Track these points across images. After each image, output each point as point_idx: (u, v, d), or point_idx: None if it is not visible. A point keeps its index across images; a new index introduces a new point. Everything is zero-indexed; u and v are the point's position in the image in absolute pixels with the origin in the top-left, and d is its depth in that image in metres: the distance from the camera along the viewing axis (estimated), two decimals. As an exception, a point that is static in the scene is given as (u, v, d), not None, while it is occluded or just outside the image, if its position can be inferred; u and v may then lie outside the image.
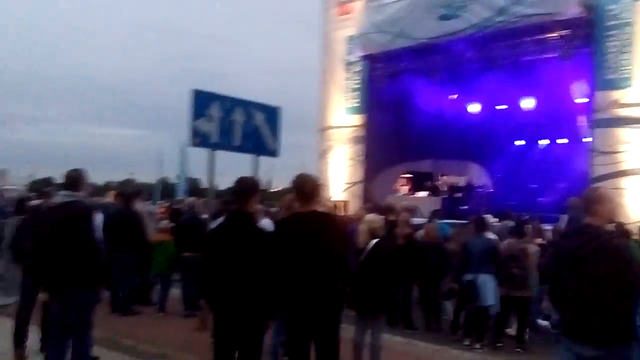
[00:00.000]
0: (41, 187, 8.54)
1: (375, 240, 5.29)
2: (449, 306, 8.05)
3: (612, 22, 12.32)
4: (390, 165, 17.36)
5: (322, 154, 17.65)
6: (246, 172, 6.45)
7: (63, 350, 4.54)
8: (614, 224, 6.11)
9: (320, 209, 4.23)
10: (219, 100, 7.52)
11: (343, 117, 17.31)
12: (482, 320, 7.15)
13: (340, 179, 17.07)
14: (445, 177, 17.78)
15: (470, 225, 7.98)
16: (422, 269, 7.94)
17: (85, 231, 4.51)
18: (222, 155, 7.55)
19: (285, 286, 3.91)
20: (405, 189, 17.11)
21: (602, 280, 3.14)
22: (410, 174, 17.48)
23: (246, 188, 4.07)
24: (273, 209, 7.93)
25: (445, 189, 17.13)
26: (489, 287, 6.97)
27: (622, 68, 12.12)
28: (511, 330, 7.40)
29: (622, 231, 7.31)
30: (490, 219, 9.19)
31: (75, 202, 4.56)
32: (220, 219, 5.46)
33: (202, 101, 7.36)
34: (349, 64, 17.23)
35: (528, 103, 17.55)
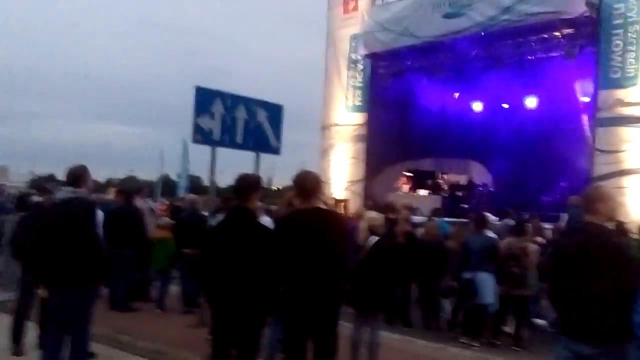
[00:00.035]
0: (42, 183, 8.55)
1: (375, 238, 5.28)
2: (447, 304, 8.04)
3: (618, 21, 12.28)
4: (392, 164, 17.36)
5: (324, 152, 17.65)
6: (247, 170, 6.44)
7: (61, 346, 4.53)
8: (615, 223, 6.08)
9: (321, 206, 4.21)
10: (221, 97, 7.51)
11: (345, 115, 17.30)
12: (480, 318, 7.14)
13: (341, 177, 17.07)
14: (446, 176, 17.77)
15: (470, 223, 7.97)
16: (422, 267, 7.93)
17: (88, 228, 4.50)
18: (223, 153, 7.55)
19: (285, 283, 3.90)
20: (406, 187, 17.11)
21: (601, 278, 3.13)
22: (412, 172, 17.47)
23: (247, 185, 4.06)
24: (273, 207, 7.93)
25: (447, 187, 17.13)
26: (488, 285, 6.96)
27: (627, 67, 12.09)
28: (508, 329, 7.39)
29: (622, 230, 7.30)
30: (491, 217, 9.17)
31: (77, 199, 4.53)
32: (221, 216, 5.48)
33: (205, 98, 7.35)
34: (353, 62, 17.23)
35: (531, 102, 17.51)
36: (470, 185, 17.33)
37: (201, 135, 7.25)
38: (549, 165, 16.80)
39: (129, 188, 9.56)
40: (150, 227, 8.41)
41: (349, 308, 5.11)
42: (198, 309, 7.08)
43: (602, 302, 3.10)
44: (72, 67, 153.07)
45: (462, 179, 17.79)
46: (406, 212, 9.12)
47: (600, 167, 12.21)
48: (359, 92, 17.13)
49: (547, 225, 9.28)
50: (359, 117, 16.99)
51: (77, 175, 4.62)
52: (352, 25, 16.80)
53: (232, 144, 7.61)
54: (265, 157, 8.26)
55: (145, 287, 8.70)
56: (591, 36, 12.71)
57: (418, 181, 17.21)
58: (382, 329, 5.45)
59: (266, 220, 5.13)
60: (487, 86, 16.68)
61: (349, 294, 4.87)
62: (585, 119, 14.68)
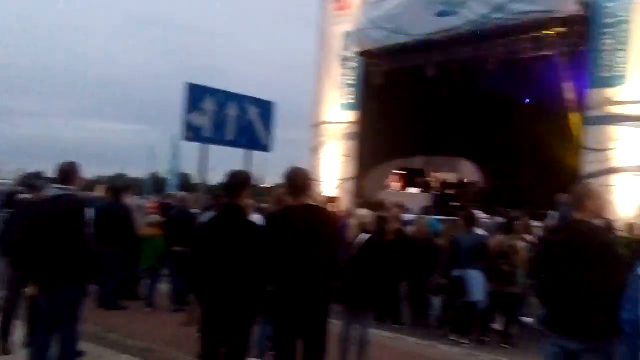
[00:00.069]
0: (31, 181, 8.46)
1: (366, 236, 5.28)
2: (437, 302, 8.07)
3: (609, 20, 12.35)
4: (383, 162, 17.38)
5: (315, 150, 17.63)
6: (238, 168, 6.41)
7: (49, 345, 4.50)
8: (603, 220, 6.13)
9: (311, 202, 4.20)
10: (212, 94, 7.49)
11: (337, 113, 17.29)
12: (469, 315, 7.17)
13: (332, 175, 17.06)
14: (436, 174, 17.83)
15: (460, 221, 8.00)
16: (412, 265, 7.95)
17: (78, 225, 4.46)
18: (213, 151, 7.54)
19: (275, 280, 3.89)
20: (397, 185, 17.14)
21: (589, 275, 3.15)
22: (402, 170, 17.50)
23: (238, 181, 4.04)
24: (264, 205, 7.90)
25: (437, 185, 17.18)
26: (477, 283, 6.98)
27: (617, 66, 12.17)
28: (498, 326, 7.43)
29: (610, 227, 7.35)
30: (481, 215, 9.21)
31: (68, 196, 4.49)
32: (211, 213, 5.45)
33: (196, 95, 7.32)
34: (345, 59, 17.21)
35: (521, 100, 17.60)
36: (461, 183, 17.39)
37: (192, 133, 7.22)
38: (538, 164, 16.90)
39: (118, 185, 9.50)
40: (139, 225, 8.36)
41: (339, 306, 5.11)
42: (188, 307, 7.05)
43: (590, 299, 3.12)
44: (62, 64, 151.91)
45: (453, 177, 17.86)
46: (397, 210, 9.14)
47: (589, 165, 12.30)
48: (350, 90, 17.12)
49: (536, 224, 9.33)
50: (351, 115, 16.98)
51: (68, 173, 4.57)
52: (345, 23, 16.78)
53: (223, 141, 7.60)
54: (257, 155, 8.26)
55: (134, 285, 8.65)
56: (582, 35, 12.78)
57: (409, 179, 17.26)
58: (372, 326, 5.46)
59: (257, 218, 5.11)
60: (478, 84, 16.73)
61: (339, 291, 4.88)
62: (574, 117, 14.77)
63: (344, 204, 14.57)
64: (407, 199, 14.26)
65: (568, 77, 14.46)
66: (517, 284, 7.06)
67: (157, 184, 26.71)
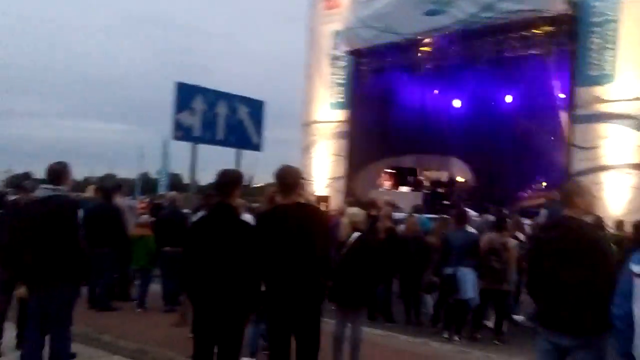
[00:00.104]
0: (20, 181, 8.37)
1: (357, 234, 5.28)
2: (429, 300, 8.10)
3: (596, 19, 12.47)
4: (373, 161, 17.42)
5: (305, 149, 17.64)
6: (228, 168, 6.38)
7: (40, 346, 4.47)
8: (592, 217, 6.18)
9: (302, 201, 4.20)
10: (202, 93, 7.45)
11: (327, 112, 17.31)
12: (461, 313, 7.21)
13: (323, 174, 17.08)
14: (427, 172, 17.89)
15: (451, 219, 8.03)
16: (403, 263, 7.97)
17: (70, 226, 4.42)
18: (203, 152, 7.50)
19: (267, 279, 3.88)
20: (388, 184, 17.19)
21: (580, 271, 3.17)
22: (393, 169, 17.55)
23: (229, 180, 4.02)
24: (255, 205, 7.89)
25: (428, 184, 17.24)
26: (468, 280, 7.01)
27: (604, 64, 12.29)
28: (489, 323, 7.47)
29: (600, 224, 7.41)
30: (471, 213, 9.25)
31: (59, 197, 4.45)
32: (202, 213, 5.43)
33: (186, 94, 7.27)
34: (334, 58, 17.23)
35: (510, 99, 17.71)
36: (451, 181, 17.47)
37: (182, 132, 7.17)
38: (528, 162, 17.01)
39: (108, 186, 9.43)
40: (129, 225, 8.32)
41: (331, 304, 5.12)
42: (179, 307, 7.02)
43: (581, 295, 3.15)
44: (50, 62, 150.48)
45: (443, 176, 17.93)
46: (388, 208, 9.16)
47: (578, 163, 12.42)
48: (340, 89, 17.14)
49: (526, 221, 9.40)
50: (341, 114, 17.01)
51: (58, 173, 4.53)
52: (334, 22, 16.80)
53: (213, 141, 7.55)
54: (247, 155, 8.22)
55: (125, 286, 8.60)
56: (570, 34, 12.89)
57: (399, 178, 17.30)
58: (364, 324, 5.46)
59: (247, 218, 5.10)
60: (467, 83, 16.81)
61: (331, 290, 4.88)
62: (563, 115, 14.89)
63: (335, 202, 14.60)
64: (398, 198, 14.30)
65: (556, 76, 14.58)
66: (508, 281, 7.11)
67: (147, 184, 26.57)
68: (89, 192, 10.92)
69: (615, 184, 11.80)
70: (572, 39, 12.86)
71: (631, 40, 11.95)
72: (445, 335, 7.15)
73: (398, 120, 17.69)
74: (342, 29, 16.30)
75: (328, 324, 4.81)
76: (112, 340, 6.17)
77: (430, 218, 10.12)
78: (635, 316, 2.75)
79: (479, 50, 14.60)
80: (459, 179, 17.97)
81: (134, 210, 9.64)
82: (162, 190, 20.40)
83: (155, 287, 8.22)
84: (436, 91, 18.84)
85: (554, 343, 3.26)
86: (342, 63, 17.07)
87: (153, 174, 28.70)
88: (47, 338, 4.51)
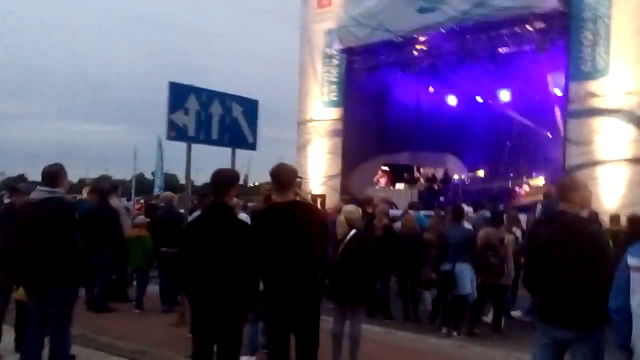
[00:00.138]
0: (15, 184, 8.33)
1: (353, 232, 5.28)
2: (427, 296, 8.12)
3: (588, 15, 12.52)
4: (368, 158, 17.45)
5: (300, 148, 17.64)
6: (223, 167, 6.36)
7: (40, 348, 4.46)
8: (588, 211, 6.21)
9: (298, 199, 4.20)
10: (196, 92, 7.38)
11: (321, 110, 17.31)
12: (460, 308, 7.23)
13: (318, 172, 17.08)
14: (422, 169, 17.94)
15: (448, 215, 8.05)
16: (400, 260, 7.99)
17: (68, 228, 4.40)
18: (198, 152, 7.43)
19: (264, 277, 3.88)
20: (383, 181, 17.22)
21: (577, 265, 3.19)
22: (389, 166, 17.58)
23: (225, 180, 4.02)
24: (250, 204, 7.89)
25: (423, 180, 17.29)
26: (466, 276, 7.03)
27: (597, 59, 12.34)
28: (487, 318, 7.50)
29: (595, 218, 7.45)
30: (467, 209, 9.28)
31: (56, 199, 4.42)
32: (197, 213, 5.42)
33: (179, 94, 7.20)
34: (328, 57, 17.23)
35: (505, 95, 17.77)
36: (447, 178, 17.52)
37: (176, 132, 7.11)
38: (523, 157, 17.10)
39: (104, 187, 9.41)
40: (126, 226, 8.30)
41: (330, 302, 5.13)
42: (178, 307, 7.01)
43: (579, 288, 3.17)
44: (43, 64, 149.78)
45: (439, 172, 17.99)
46: (384, 205, 9.17)
47: (573, 158, 12.46)
48: (334, 87, 17.14)
49: (522, 216, 9.44)
50: (335, 112, 17.01)
51: (54, 175, 4.50)
52: (327, 20, 16.79)
53: (207, 140, 7.48)
54: (241, 155, 8.18)
55: (123, 287, 8.59)
56: (562, 30, 12.95)
57: (395, 175, 17.34)
58: (363, 321, 5.47)
59: (243, 217, 5.10)
60: (461, 80, 16.86)
61: (329, 288, 4.89)
62: (557, 111, 14.96)
63: (331, 200, 14.62)
64: (394, 195, 14.34)
65: (550, 71, 14.64)
66: (506, 275, 7.13)
67: (141, 185, 26.50)
68: (84, 194, 10.89)
69: (609, 178, 11.85)
70: (564, 34, 12.91)
71: (623, 34, 12.01)
72: (444, 331, 7.18)
73: (393, 118, 17.73)
74: (334, 27, 16.30)
75: (327, 322, 4.82)
76: (110, 341, 6.16)
77: (426, 215, 10.16)
78: (632, 309, 2.77)
79: (473, 47, 14.63)
80: (455, 175, 18.03)
81: (131, 212, 9.62)
82: (157, 191, 20.32)
83: (153, 288, 8.21)
84: (431, 88, 18.87)
85: (552, 337, 3.28)
86: (336, 61, 17.07)
87: (148, 175, 28.61)
88: (46, 340, 4.49)
